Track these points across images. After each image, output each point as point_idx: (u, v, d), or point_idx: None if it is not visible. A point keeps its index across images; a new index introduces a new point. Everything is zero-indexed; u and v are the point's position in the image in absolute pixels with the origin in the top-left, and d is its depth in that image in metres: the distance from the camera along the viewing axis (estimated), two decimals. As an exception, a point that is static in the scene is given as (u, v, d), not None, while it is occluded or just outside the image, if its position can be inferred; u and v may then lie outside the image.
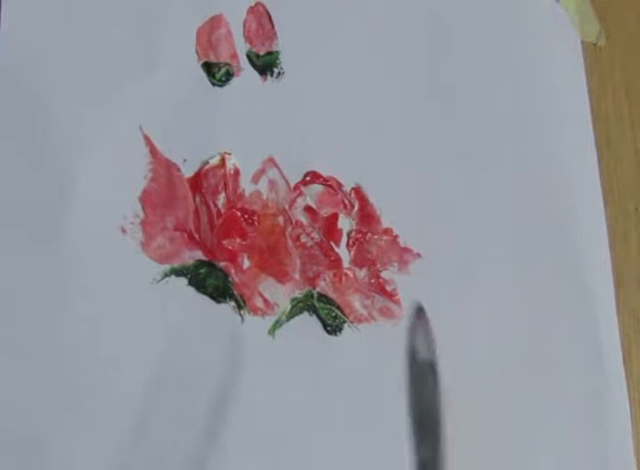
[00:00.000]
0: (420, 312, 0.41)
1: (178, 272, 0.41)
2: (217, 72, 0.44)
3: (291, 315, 0.41)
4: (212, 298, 0.41)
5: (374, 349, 0.41)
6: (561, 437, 0.40)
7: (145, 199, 0.42)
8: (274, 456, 0.39)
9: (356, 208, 0.42)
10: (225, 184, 0.42)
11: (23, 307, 0.40)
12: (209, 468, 0.38)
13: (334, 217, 0.42)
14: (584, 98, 0.45)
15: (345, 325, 0.41)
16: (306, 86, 0.44)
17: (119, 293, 0.40)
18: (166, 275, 0.41)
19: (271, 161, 0.43)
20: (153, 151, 0.42)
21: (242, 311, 0.41)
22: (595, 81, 0.45)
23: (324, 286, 0.41)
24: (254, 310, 0.41)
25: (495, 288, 0.42)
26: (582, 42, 0.45)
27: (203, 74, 0.44)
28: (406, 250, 0.42)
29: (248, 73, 0.44)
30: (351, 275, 0.42)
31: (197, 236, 0.41)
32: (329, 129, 0.43)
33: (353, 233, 0.42)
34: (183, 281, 0.41)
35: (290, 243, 0.42)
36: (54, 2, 0.44)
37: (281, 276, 0.41)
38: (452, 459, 0.39)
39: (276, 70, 0.44)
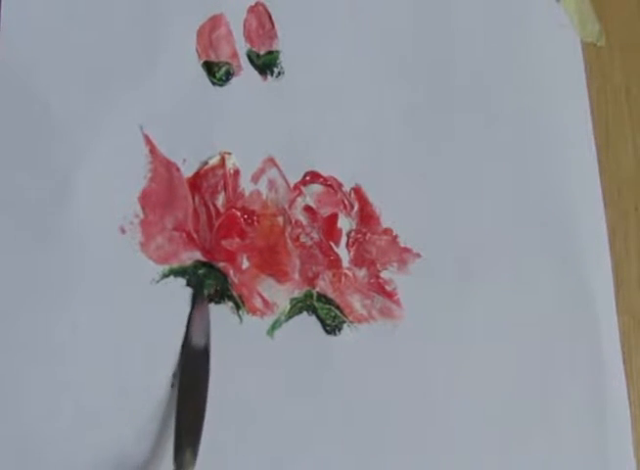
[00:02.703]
0: (200, 300, 0.40)
1: (177, 273, 0.41)
2: (217, 72, 0.44)
3: (290, 315, 0.41)
4: (211, 299, 0.41)
5: (374, 349, 0.41)
6: (560, 437, 0.40)
7: (145, 199, 0.42)
8: (273, 457, 0.39)
9: (356, 208, 0.42)
10: (225, 184, 0.42)
11: (23, 307, 0.40)
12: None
13: (333, 217, 0.42)
14: (584, 98, 0.45)
15: (345, 325, 0.41)
16: (306, 86, 0.44)
17: (119, 293, 0.40)
18: (165, 276, 0.41)
19: (271, 160, 0.43)
20: (153, 151, 0.42)
21: (240, 312, 0.41)
22: (595, 81, 0.45)
23: (323, 286, 0.41)
24: (253, 311, 0.41)
25: (495, 288, 0.42)
26: (582, 42, 0.45)
27: (203, 74, 0.44)
28: (406, 250, 0.42)
29: (248, 73, 0.44)
30: (351, 275, 0.42)
31: (195, 236, 0.41)
32: (329, 129, 0.43)
33: (353, 233, 0.42)
34: (182, 282, 0.41)
35: (289, 243, 0.42)
36: (54, 2, 0.44)
37: (280, 276, 0.41)
38: (451, 458, 0.40)
39: (276, 70, 0.44)
